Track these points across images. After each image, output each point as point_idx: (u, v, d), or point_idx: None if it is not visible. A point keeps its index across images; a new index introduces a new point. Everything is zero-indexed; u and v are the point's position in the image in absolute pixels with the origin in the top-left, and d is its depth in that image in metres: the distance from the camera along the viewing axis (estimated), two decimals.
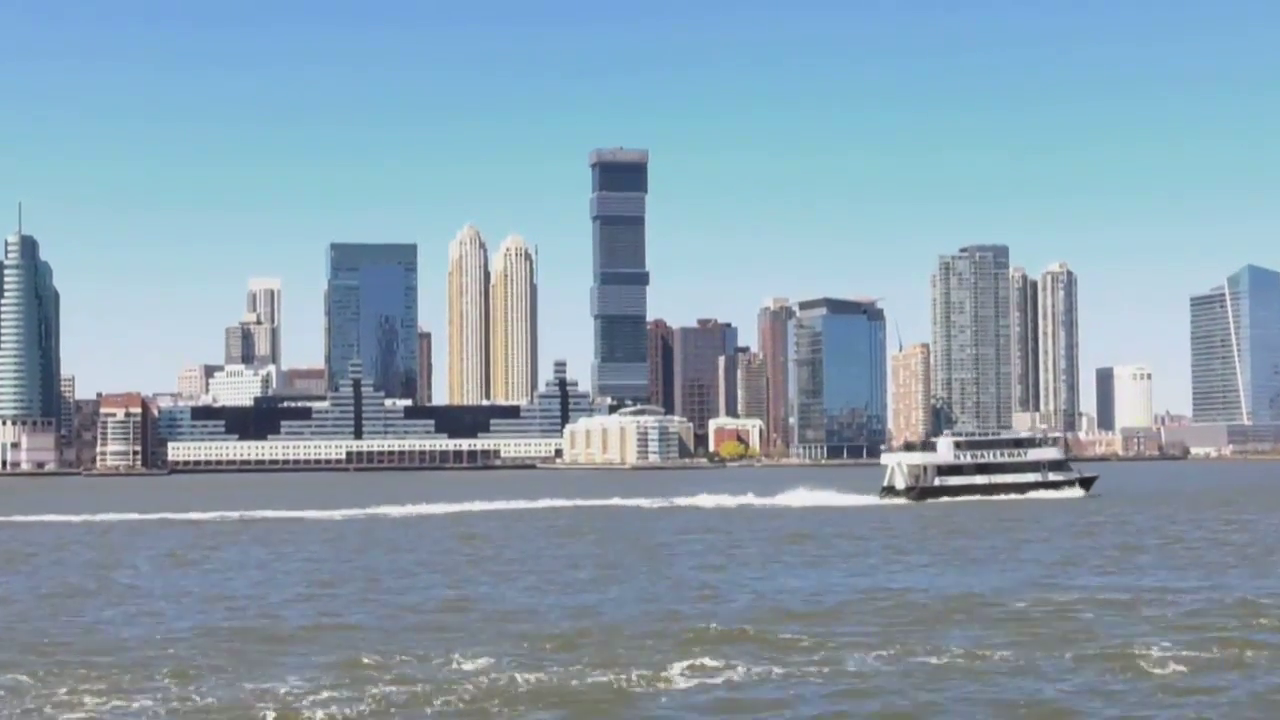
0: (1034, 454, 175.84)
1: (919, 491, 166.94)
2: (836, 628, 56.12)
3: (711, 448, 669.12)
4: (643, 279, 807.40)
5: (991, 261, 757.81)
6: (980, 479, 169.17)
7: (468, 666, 47.74)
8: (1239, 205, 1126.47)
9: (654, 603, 65.50)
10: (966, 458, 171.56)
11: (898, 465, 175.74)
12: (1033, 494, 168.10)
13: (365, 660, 49.61)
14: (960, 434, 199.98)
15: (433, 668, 47.78)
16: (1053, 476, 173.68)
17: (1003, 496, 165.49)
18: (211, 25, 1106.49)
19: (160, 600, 70.72)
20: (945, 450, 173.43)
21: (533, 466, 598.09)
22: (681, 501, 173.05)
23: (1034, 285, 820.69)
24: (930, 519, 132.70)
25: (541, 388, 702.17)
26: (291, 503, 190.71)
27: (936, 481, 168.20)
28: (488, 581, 77.42)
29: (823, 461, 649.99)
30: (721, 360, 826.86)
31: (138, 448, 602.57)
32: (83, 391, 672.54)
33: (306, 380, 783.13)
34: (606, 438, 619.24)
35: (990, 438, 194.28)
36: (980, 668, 46.88)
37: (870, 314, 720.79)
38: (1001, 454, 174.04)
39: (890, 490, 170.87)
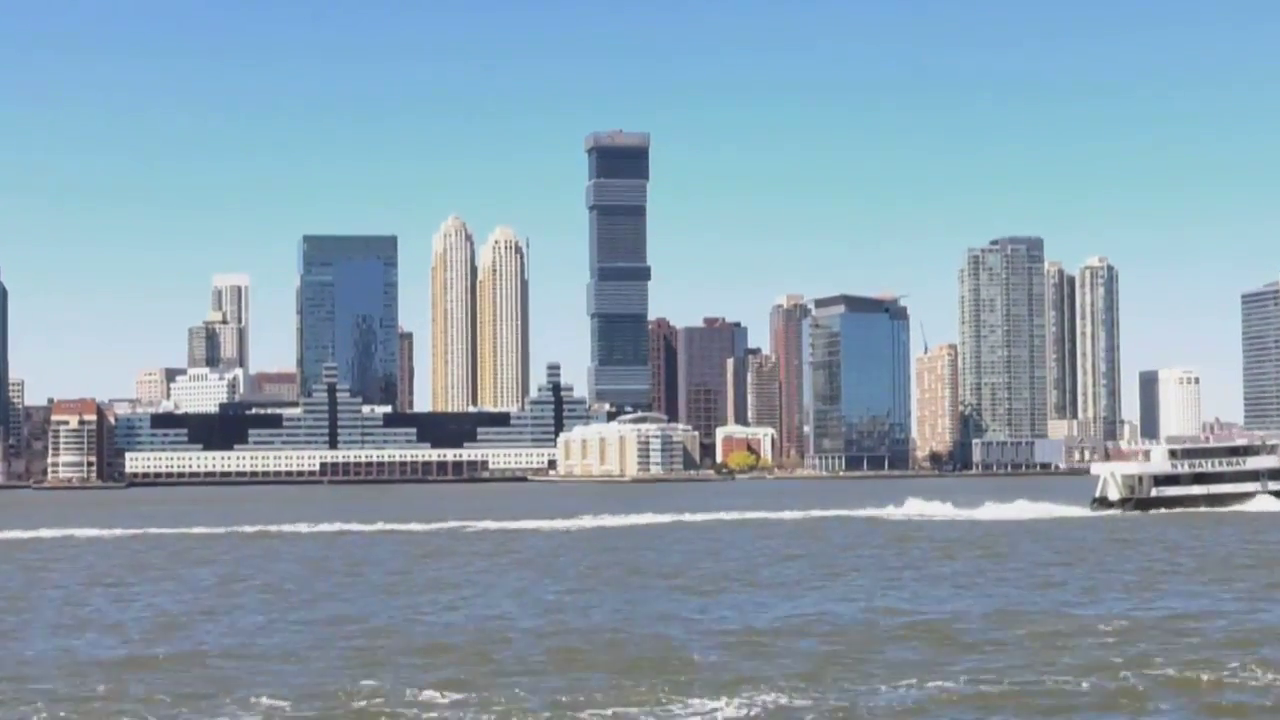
0: (1253, 462, 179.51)
1: (1135, 503, 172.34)
2: None
3: (719, 458, 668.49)
4: (643, 274, 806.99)
5: (1025, 255, 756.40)
6: (1198, 489, 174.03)
7: None
8: None
9: None
10: (1184, 467, 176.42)
11: (1111, 475, 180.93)
12: (1254, 504, 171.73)
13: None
14: (1175, 441, 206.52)
15: None
16: (1273, 485, 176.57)
17: (1222, 508, 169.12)
18: (174, 12, 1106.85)
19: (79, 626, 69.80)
20: (1160, 459, 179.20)
21: (524, 479, 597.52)
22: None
23: (1071, 281, 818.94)
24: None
25: (533, 393, 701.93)
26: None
27: (1153, 492, 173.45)
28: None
29: (840, 473, 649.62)
30: (730, 363, 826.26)
31: (93, 459, 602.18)
32: (33, 398, 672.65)
33: (276, 385, 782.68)
34: (604, 448, 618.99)
35: (1207, 445, 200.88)
36: None
37: (893, 312, 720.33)
38: (1219, 463, 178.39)
39: (1103, 502, 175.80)
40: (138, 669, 54.79)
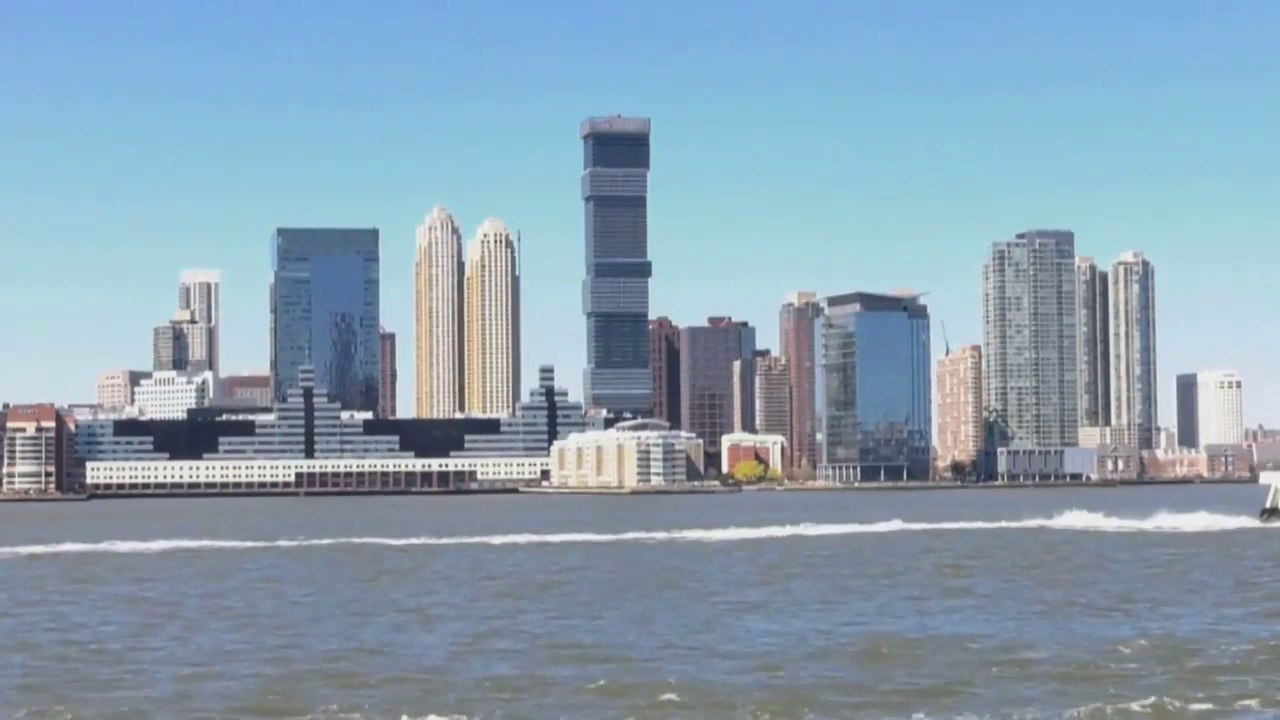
0: None
1: None
2: None
3: (725, 468, 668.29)
4: (644, 270, 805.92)
5: (1054, 250, 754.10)
6: None
7: None
8: None
9: None
10: None
11: None
12: None
13: None
14: None
15: None
16: None
17: None
18: None
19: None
20: None
21: (515, 490, 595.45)
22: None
23: (1104, 278, 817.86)
24: None
25: (525, 398, 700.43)
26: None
27: None
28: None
29: (855, 484, 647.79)
30: (736, 366, 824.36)
31: (51, 469, 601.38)
32: None
33: (249, 389, 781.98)
34: (601, 456, 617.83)
35: None
36: None
37: (911, 311, 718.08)
38: None
39: (1273, 513, 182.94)
40: None
